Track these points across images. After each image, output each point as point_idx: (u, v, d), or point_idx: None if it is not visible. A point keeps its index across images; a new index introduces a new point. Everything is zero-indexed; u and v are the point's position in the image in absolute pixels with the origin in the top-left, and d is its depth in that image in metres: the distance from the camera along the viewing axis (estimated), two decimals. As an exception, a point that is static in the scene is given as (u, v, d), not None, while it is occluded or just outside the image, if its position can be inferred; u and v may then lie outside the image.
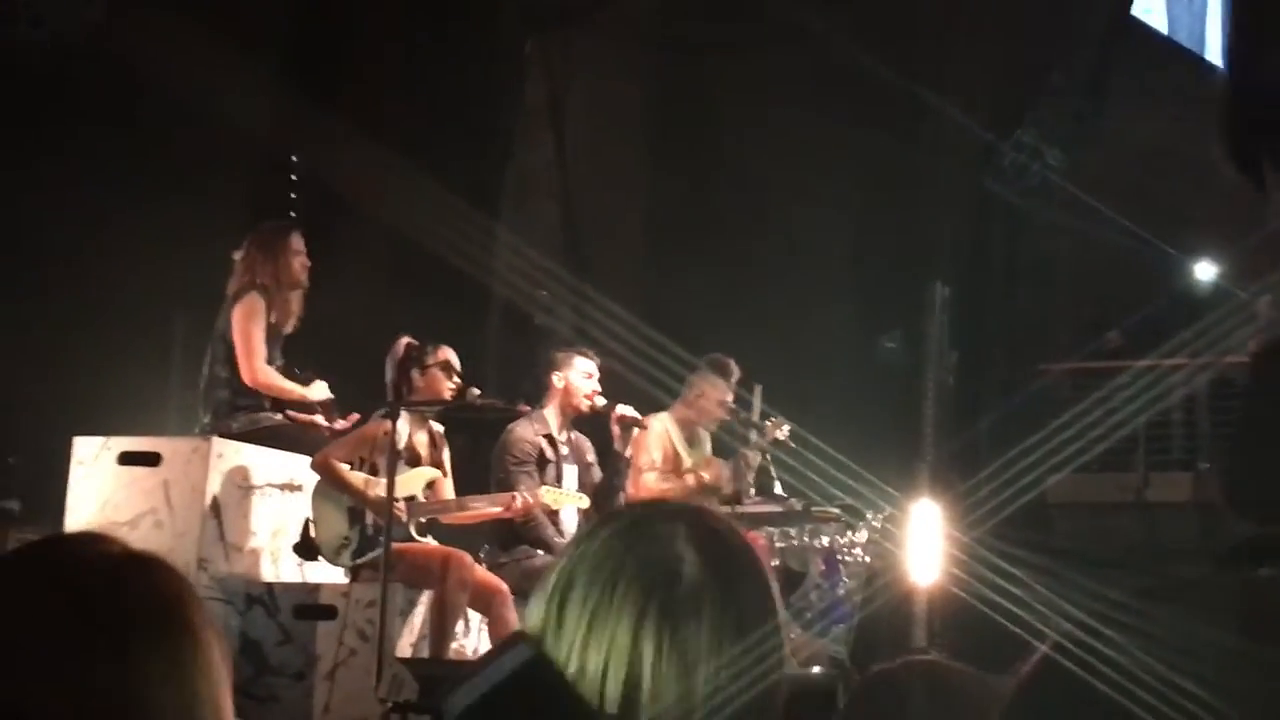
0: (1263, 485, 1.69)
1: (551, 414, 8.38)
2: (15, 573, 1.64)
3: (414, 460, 7.81)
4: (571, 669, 1.70)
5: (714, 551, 1.78)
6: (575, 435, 8.52)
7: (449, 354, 7.87)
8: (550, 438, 8.33)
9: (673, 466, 8.81)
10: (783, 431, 8.70)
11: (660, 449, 8.78)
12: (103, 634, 1.57)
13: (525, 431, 8.27)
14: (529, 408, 8.33)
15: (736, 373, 8.98)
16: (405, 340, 7.78)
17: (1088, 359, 9.69)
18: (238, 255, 8.13)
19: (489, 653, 1.67)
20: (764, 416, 8.91)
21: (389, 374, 7.76)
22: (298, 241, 8.19)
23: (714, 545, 1.79)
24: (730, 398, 8.93)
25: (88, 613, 1.58)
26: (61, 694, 1.53)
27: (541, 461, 8.23)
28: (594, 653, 1.71)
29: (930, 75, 10.57)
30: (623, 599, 1.72)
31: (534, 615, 1.77)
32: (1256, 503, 1.72)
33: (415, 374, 7.72)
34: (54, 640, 1.55)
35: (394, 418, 7.39)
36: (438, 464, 7.94)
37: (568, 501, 8.04)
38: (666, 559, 1.75)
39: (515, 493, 7.86)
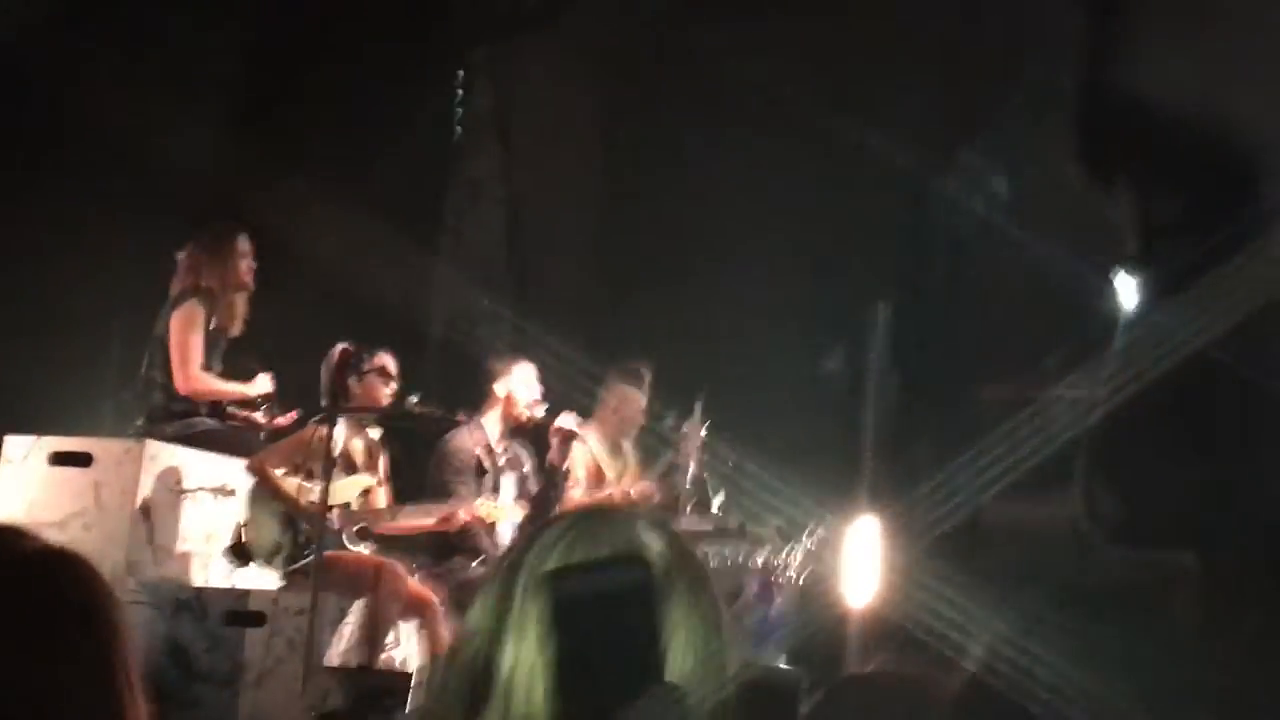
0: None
1: (491, 423, 8.35)
2: None
3: (350, 467, 7.76)
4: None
5: (676, 543, 1.80)
6: (514, 444, 8.49)
7: (387, 360, 7.83)
8: (488, 447, 8.30)
9: (596, 481, 8.78)
10: (701, 431, 8.61)
11: (584, 465, 8.75)
12: (18, 627, 1.54)
13: (464, 441, 8.24)
14: (466, 417, 8.29)
15: (647, 376, 8.93)
16: (342, 346, 7.73)
17: (1028, 383, 9.71)
18: (181, 255, 8.06)
19: (606, 560, 1.67)
20: (698, 424, 8.87)
21: (324, 379, 7.71)
22: (244, 244, 8.13)
23: (673, 537, 1.81)
24: (643, 403, 8.89)
25: (7, 604, 1.55)
26: None
27: (479, 471, 8.20)
28: None
29: (876, 95, 10.58)
30: None
31: (479, 611, 1.78)
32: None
33: (352, 381, 7.68)
34: None
35: (330, 423, 7.35)
36: (373, 472, 7.90)
37: (504, 516, 8.01)
38: (633, 544, 1.77)
39: (454, 508, 7.82)
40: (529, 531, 1.90)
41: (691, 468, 8.59)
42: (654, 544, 1.80)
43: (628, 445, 8.99)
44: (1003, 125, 9.73)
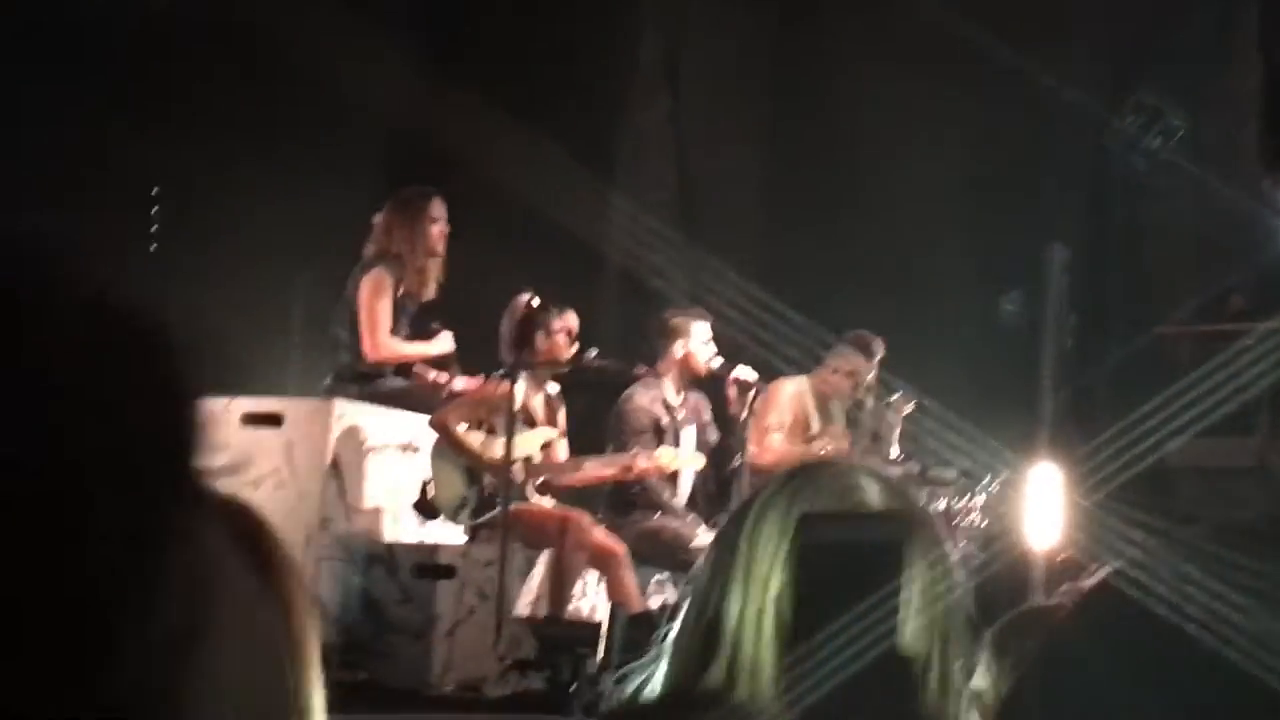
0: None
1: (669, 380, 8.39)
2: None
3: (531, 421, 7.85)
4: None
5: (900, 495, 1.86)
6: (692, 395, 8.52)
7: (572, 320, 7.88)
8: (667, 404, 8.34)
9: (800, 431, 8.77)
10: (908, 408, 8.60)
11: (791, 412, 8.73)
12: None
13: (642, 400, 8.28)
14: (646, 369, 8.33)
15: (880, 351, 8.90)
16: (527, 297, 7.79)
17: (1210, 321, 9.54)
18: (377, 219, 8.14)
19: (861, 514, 1.73)
20: (883, 382, 8.84)
21: (506, 330, 7.77)
22: (438, 209, 8.16)
23: (896, 490, 1.87)
24: (869, 374, 8.86)
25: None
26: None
27: (658, 430, 8.25)
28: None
29: (1050, 32, 10.42)
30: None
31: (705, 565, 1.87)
32: None
33: (539, 336, 7.73)
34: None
35: (513, 380, 7.43)
36: (553, 421, 7.98)
37: (685, 463, 8.06)
38: (853, 495, 1.83)
39: (634, 454, 7.89)
40: (754, 487, 1.96)
41: (893, 436, 8.57)
42: (872, 495, 1.85)
43: (837, 408, 8.96)
44: (1180, 62, 9.57)
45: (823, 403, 8.90)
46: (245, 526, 1.70)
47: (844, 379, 8.86)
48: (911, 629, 1.76)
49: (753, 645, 1.77)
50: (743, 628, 1.79)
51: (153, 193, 9.18)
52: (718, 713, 1.82)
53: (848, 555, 1.57)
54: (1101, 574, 2.12)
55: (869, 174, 11.00)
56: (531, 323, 7.72)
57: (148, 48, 9.28)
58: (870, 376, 8.87)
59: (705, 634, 1.84)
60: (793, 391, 8.75)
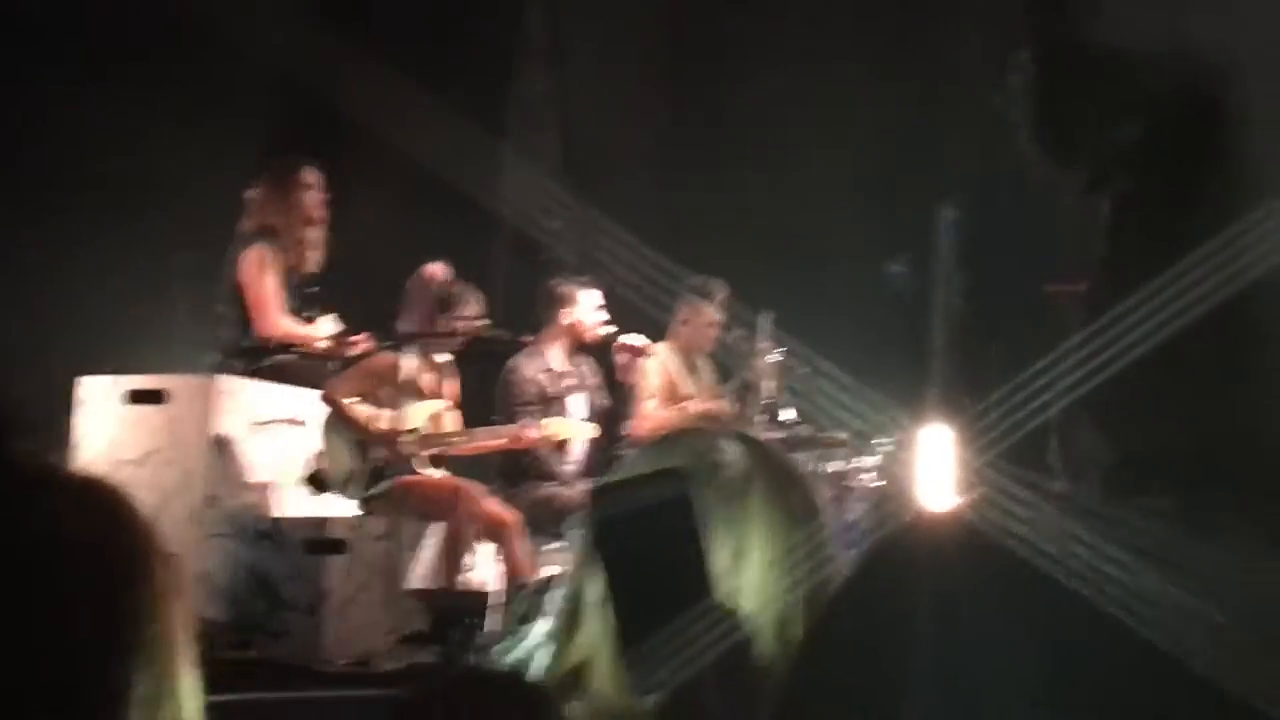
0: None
1: (555, 348, 8.37)
2: None
3: (419, 393, 7.80)
4: None
5: (756, 449, 1.87)
6: (580, 362, 8.50)
7: (479, 308, 7.79)
8: (551, 372, 8.32)
9: (670, 395, 8.77)
10: (776, 355, 8.57)
11: (660, 377, 8.74)
12: (33, 561, 1.54)
13: (528, 369, 8.27)
14: (532, 339, 8.31)
15: (721, 292, 8.88)
16: (439, 267, 7.72)
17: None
18: (250, 194, 8.03)
19: (643, 476, 1.69)
20: (773, 342, 8.84)
21: (412, 298, 7.70)
22: (310, 176, 8.07)
23: (753, 444, 1.87)
24: (717, 318, 8.85)
25: (17, 540, 1.55)
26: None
27: (544, 399, 8.23)
28: None
29: (937, -4, 10.46)
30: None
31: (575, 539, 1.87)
32: None
33: (442, 318, 7.67)
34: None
35: (401, 351, 7.37)
36: (444, 392, 7.93)
37: (574, 432, 8.04)
38: (707, 457, 1.83)
39: (522, 425, 7.86)
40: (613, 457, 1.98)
41: (765, 385, 8.55)
42: (730, 453, 1.85)
43: (703, 362, 8.97)
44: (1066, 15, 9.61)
45: (688, 360, 8.89)
46: (108, 506, 1.65)
47: (696, 330, 8.84)
48: (752, 574, 1.75)
49: (597, 630, 1.75)
50: (590, 611, 1.78)
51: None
52: (580, 701, 1.80)
53: (634, 521, 1.55)
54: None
55: (760, 138, 11.01)
56: (442, 301, 7.67)
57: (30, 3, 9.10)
58: (716, 318, 8.83)
59: (569, 617, 1.83)
60: (657, 360, 8.75)
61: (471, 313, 7.77)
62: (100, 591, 1.59)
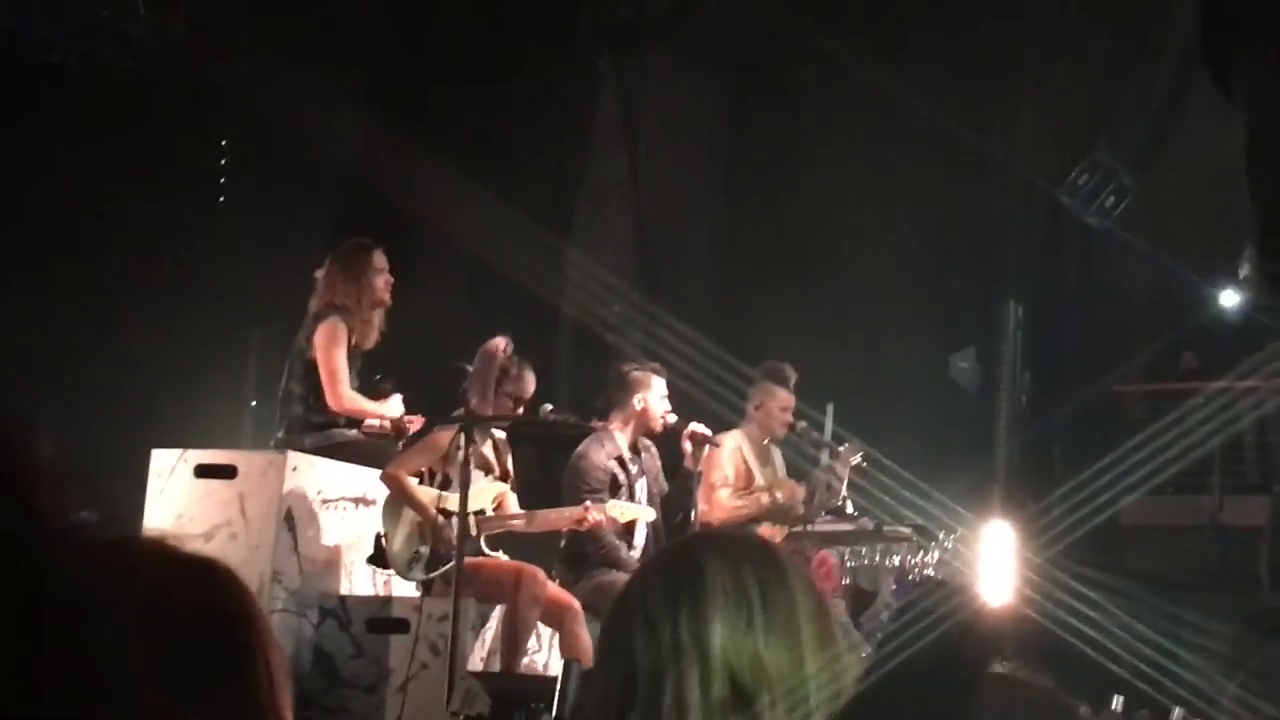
0: None
1: (622, 434, 8.39)
2: (83, 569, 1.65)
3: (484, 467, 7.83)
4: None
5: (734, 553, 1.89)
6: (644, 447, 8.52)
7: (530, 384, 7.85)
8: (621, 459, 8.33)
9: (745, 484, 8.77)
10: (856, 458, 8.60)
11: (733, 466, 8.74)
12: (160, 635, 1.57)
13: (597, 457, 8.26)
14: (601, 424, 8.32)
15: (793, 377, 8.89)
16: (505, 344, 7.78)
17: (1162, 380, 9.63)
18: (319, 273, 8.18)
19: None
20: (836, 438, 8.85)
21: (479, 369, 7.75)
22: (380, 260, 8.21)
23: (735, 549, 1.90)
24: (790, 403, 8.86)
25: (144, 613, 1.58)
26: (113, 695, 1.53)
27: (614, 486, 8.23)
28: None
29: (1006, 93, 10.53)
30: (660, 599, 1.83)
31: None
32: None
33: (504, 393, 7.73)
34: (108, 641, 1.56)
35: (468, 432, 7.40)
36: (503, 469, 7.96)
37: (636, 514, 8.05)
38: (689, 562, 1.87)
39: (585, 505, 7.88)
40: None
41: (837, 481, 8.56)
42: (710, 561, 1.89)
43: (776, 453, 8.97)
44: (1131, 129, 9.66)
45: (759, 449, 8.89)
46: (216, 581, 1.69)
47: (770, 414, 8.86)
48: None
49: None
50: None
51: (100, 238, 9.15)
52: None
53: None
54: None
55: (825, 233, 11.07)
56: (506, 373, 7.73)
57: (109, 100, 9.28)
58: (790, 402, 8.83)
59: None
60: (731, 447, 8.76)
61: (527, 391, 7.82)
62: (231, 662, 1.62)
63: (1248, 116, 1.65)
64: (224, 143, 9.51)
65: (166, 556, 1.66)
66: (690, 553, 1.95)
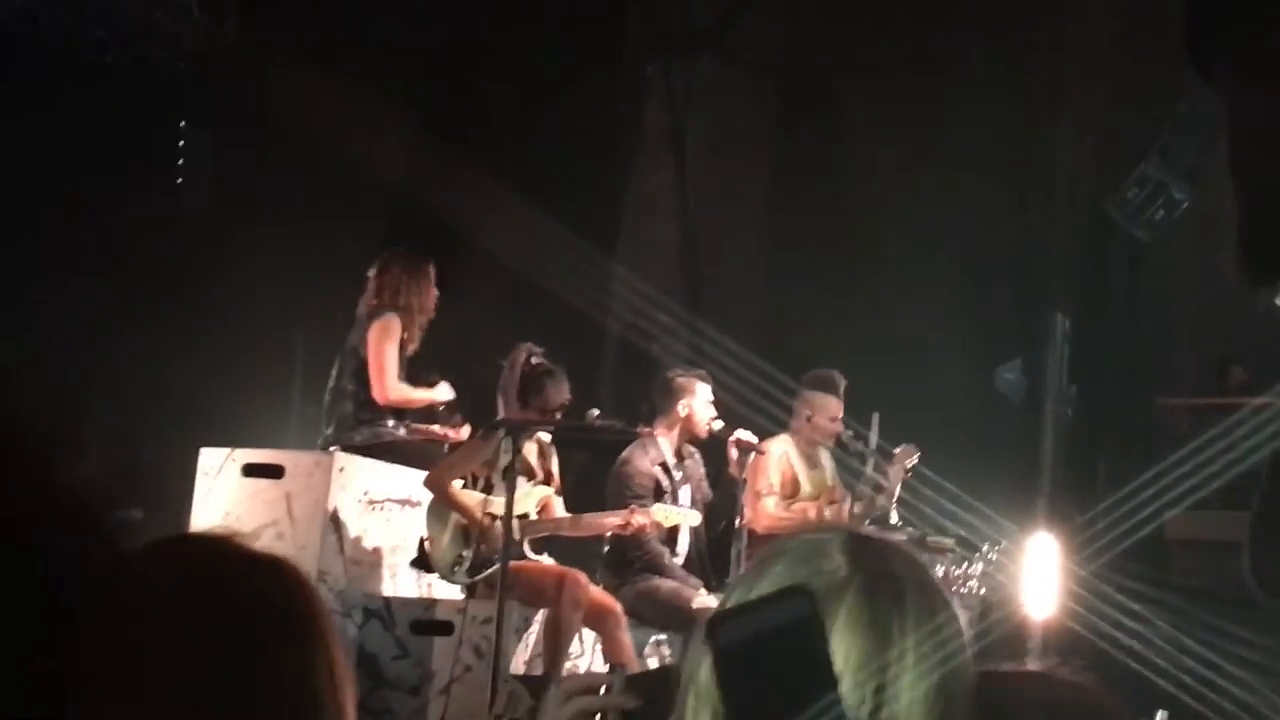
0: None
1: (667, 440, 8.39)
2: (145, 566, 1.67)
3: (527, 472, 7.85)
4: None
5: (860, 550, 1.82)
6: (688, 453, 8.52)
7: (565, 394, 7.84)
8: (665, 465, 8.34)
9: (791, 491, 8.75)
10: (913, 460, 8.56)
11: (779, 473, 8.71)
12: (230, 631, 1.59)
13: (641, 462, 8.27)
14: (646, 429, 8.33)
15: (842, 384, 8.85)
16: (528, 353, 7.80)
17: (1209, 394, 9.59)
18: (372, 273, 8.26)
19: (764, 599, 1.66)
20: (880, 449, 8.83)
21: (506, 381, 7.79)
22: (433, 270, 8.35)
23: (858, 545, 1.83)
24: (839, 411, 8.81)
25: (216, 609, 1.60)
26: (187, 690, 1.55)
27: (658, 492, 8.24)
28: None
29: (1054, 102, 10.51)
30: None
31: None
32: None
33: (533, 401, 7.74)
34: (181, 636, 1.57)
35: (515, 436, 7.43)
36: (547, 473, 7.98)
37: (680, 519, 8.06)
38: (818, 559, 1.80)
39: (630, 509, 7.89)
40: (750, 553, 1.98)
41: (895, 489, 8.54)
42: (838, 557, 1.82)
43: (825, 457, 8.93)
44: (1182, 135, 9.62)
45: (808, 456, 8.86)
46: (285, 579, 1.71)
47: (819, 423, 8.80)
48: (907, 700, 1.75)
49: None
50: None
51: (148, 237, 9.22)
52: None
53: (758, 647, 1.52)
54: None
55: (870, 242, 11.06)
56: (528, 382, 7.75)
57: (151, 103, 9.35)
58: (839, 410, 8.79)
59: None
60: (778, 453, 8.72)
61: (555, 400, 7.83)
62: (298, 658, 1.64)
63: (1228, 105, 1.64)
64: (268, 146, 9.56)
65: (236, 553, 1.68)
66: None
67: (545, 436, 8.02)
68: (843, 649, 1.73)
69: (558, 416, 7.78)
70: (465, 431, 8.20)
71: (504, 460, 7.48)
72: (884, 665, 1.73)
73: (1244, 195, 1.64)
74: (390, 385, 8.02)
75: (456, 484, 7.69)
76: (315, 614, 1.69)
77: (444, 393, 8.27)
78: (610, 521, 7.89)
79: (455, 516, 7.68)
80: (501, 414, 7.70)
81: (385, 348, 8.03)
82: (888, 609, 1.76)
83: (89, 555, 1.67)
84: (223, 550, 1.69)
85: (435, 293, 8.34)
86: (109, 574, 1.65)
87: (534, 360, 7.79)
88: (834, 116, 11.81)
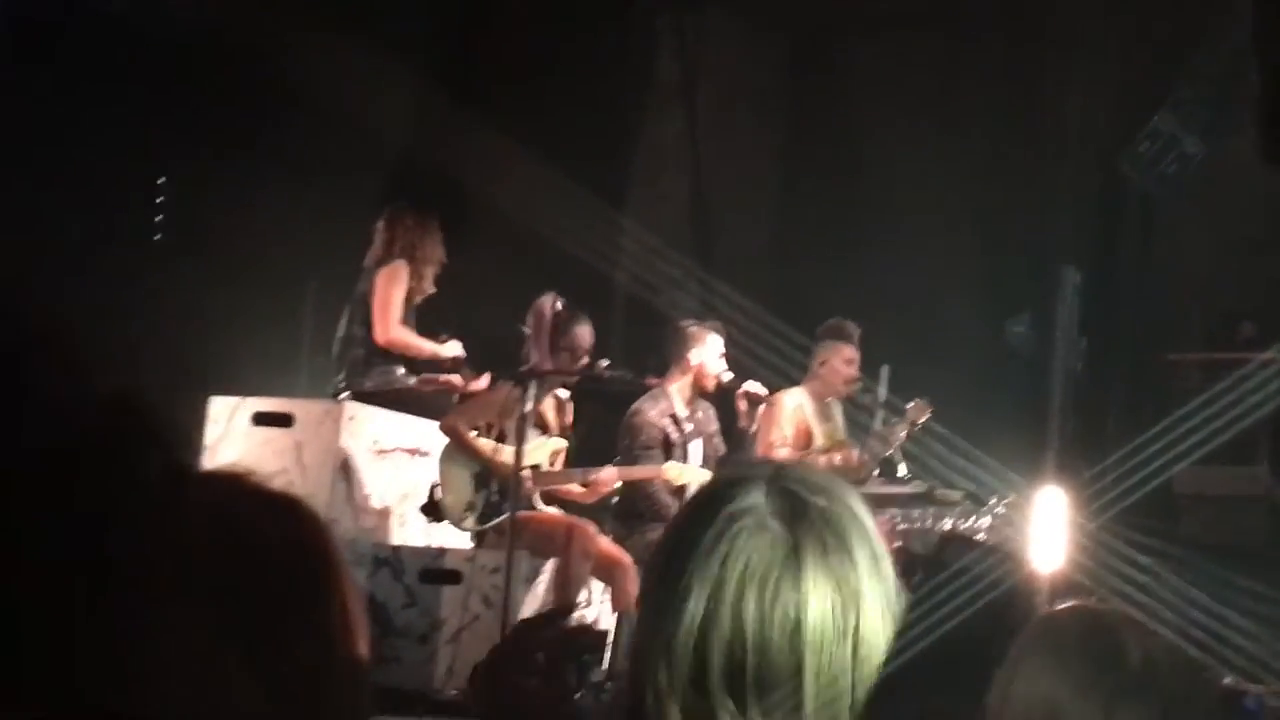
0: None
1: (677, 391, 8.39)
2: (158, 500, 1.66)
3: (542, 426, 7.87)
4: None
5: (784, 493, 1.83)
6: (700, 407, 8.52)
7: (587, 334, 7.87)
8: (674, 417, 8.35)
9: (805, 443, 8.74)
10: (925, 415, 8.54)
11: (793, 425, 8.69)
12: (244, 567, 1.59)
13: (651, 413, 8.28)
14: (656, 380, 8.34)
15: (856, 332, 8.83)
16: (553, 301, 7.81)
17: (1219, 349, 9.57)
18: (380, 225, 8.28)
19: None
20: (889, 402, 8.83)
21: (533, 329, 7.80)
22: (440, 225, 8.40)
23: (782, 487, 1.83)
24: (856, 357, 8.78)
25: (230, 545, 1.60)
26: (199, 627, 1.55)
27: (666, 444, 8.25)
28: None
29: (1065, 55, 10.46)
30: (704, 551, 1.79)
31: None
32: None
33: (562, 349, 7.75)
34: (195, 572, 1.57)
35: (524, 385, 7.44)
36: (563, 430, 8.00)
37: (691, 478, 8.07)
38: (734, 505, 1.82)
39: (643, 471, 7.91)
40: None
41: (901, 430, 8.53)
42: (756, 500, 1.83)
43: (836, 410, 8.90)
44: (1195, 89, 9.59)
45: (821, 407, 8.83)
46: (302, 518, 1.72)
47: (836, 370, 8.77)
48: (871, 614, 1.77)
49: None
50: None
51: (158, 190, 9.22)
52: None
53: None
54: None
55: (880, 195, 11.02)
56: (558, 328, 7.76)
57: (165, 59, 9.33)
58: (855, 357, 8.78)
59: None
60: (792, 405, 8.71)
61: (584, 341, 7.84)
62: (312, 599, 1.64)
63: None
64: (279, 99, 9.55)
65: (253, 491, 1.68)
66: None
67: (563, 393, 8.04)
68: (818, 573, 1.75)
69: (587, 360, 7.81)
70: (483, 381, 8.21)
71: (521, 410, 7.50)
72: (855, 587, 1.76)
73: (1265, 76, 1.65)
74: (391, 327, 8.05)
75: (471, 432, 7.71)
76: (330, 554, 1.69)
77: (452, 349, 8.28)
78: (619, 482, 7.91)
79: (469, 463, 7.70)
80: (531, 363, 7.71)
81: (391, 292, 8.07)
82: (846, 534, 1.78)
83: (149, 460, 1.67)
84: (238, 486, 1.69)
85: (440, 240, 8.36)
86: (166, 484, 1.65)
87: (559, 305, 7.81)
88: (845, 69, 11.75)
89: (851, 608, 1.76)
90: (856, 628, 1.76)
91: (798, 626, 1.73)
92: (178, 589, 1.54)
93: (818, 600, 1.74)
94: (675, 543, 1.84)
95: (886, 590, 1.80)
